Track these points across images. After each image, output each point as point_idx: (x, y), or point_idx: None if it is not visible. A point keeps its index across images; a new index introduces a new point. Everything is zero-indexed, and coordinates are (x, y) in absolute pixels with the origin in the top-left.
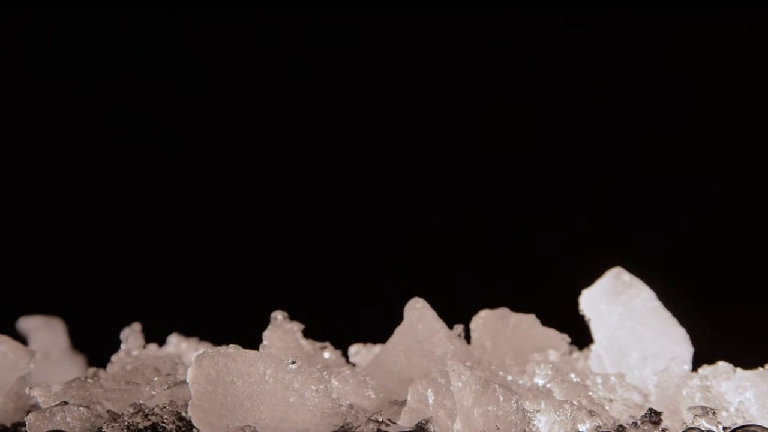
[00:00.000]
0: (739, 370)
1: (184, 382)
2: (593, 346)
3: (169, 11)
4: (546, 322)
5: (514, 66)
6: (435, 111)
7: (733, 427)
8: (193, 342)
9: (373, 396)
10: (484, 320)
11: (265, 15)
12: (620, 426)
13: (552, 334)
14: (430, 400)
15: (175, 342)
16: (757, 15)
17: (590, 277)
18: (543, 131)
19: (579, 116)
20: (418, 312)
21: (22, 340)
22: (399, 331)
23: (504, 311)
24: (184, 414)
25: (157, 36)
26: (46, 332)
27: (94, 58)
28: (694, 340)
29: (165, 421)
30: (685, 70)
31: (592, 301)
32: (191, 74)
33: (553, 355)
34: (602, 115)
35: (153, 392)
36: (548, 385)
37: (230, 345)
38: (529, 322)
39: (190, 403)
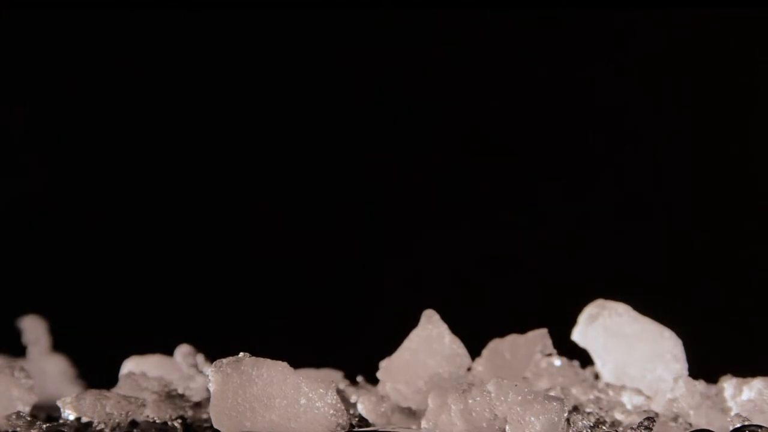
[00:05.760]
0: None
1: (182, 393)
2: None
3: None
4: (556, 330)
5: (517, 70)
6: (443, 114)
7: (734, 426)
8: (197, 354)
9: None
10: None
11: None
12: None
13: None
14: (451, 408)
15: (184, 352)
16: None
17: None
18: (549, 135)
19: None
20: (429, 319)
21: (17, 337)
22: (411, 335)
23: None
24: (188, 421)
25: (153, 35)
26: (29, 331)
27: (94, 56)
28: (697, 342)
29: (169, 427)
30: (681, 71)
31: (580, 335)
32: (189, 74)
33: (557, 361)
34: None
35: (160, 401)
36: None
37: (242, 353)
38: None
39: (210, 404)
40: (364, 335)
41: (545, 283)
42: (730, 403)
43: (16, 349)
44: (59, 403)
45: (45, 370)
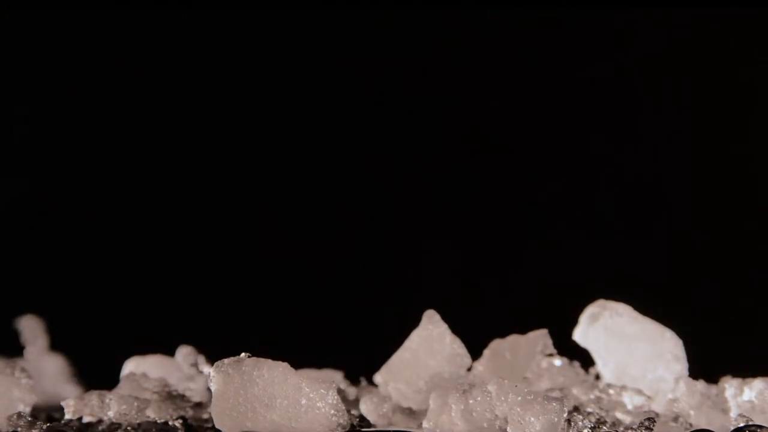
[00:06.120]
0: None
1: (182, 394)
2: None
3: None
4: (556, 330)
5: (517, 70)
6: (443, 114)
7: (735, 426)
8: (198, 355)
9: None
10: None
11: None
12: None
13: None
14: (452, 408)
15: (185, 353)
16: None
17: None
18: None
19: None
20: (430, 319)
21: (15, 337)
22: (412, 335)
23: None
24: (189, 421)
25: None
26: (26, 331)
27: (95, 56)
28: (698, 342)
29: (170, 427)
30: (681, 71)
31: (581, 335)
32: (189, 74)
33: (558, 361)
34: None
35: (161, 401)
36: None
37: (243, 353)
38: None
39: (211, 404)
40: (365, 335)
41: (545, 283)
42: (731, 404)
43: (13, 349)
44: (63, 404)
45: (43, 370)
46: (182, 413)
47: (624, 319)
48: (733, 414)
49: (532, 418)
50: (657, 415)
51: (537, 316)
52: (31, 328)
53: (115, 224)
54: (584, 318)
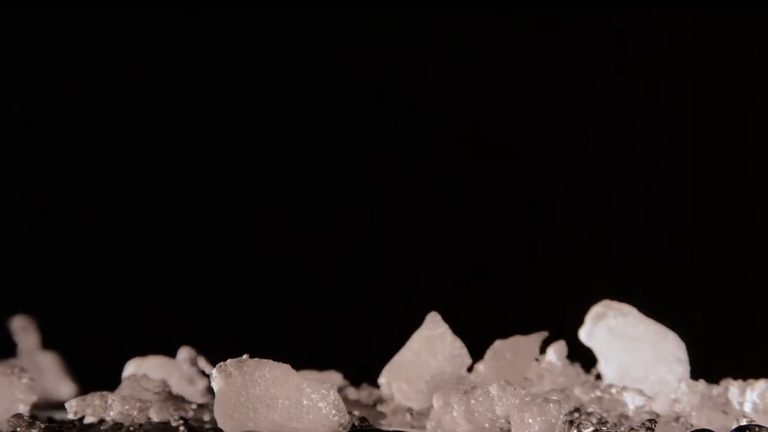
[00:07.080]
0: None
1: (184, 395)
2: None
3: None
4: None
5: (517, 70)
6: (443, 114)
7: (735, 426)
8: (199, 356)
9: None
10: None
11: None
12: None
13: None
14: (454, 408)
15: (186, 354)
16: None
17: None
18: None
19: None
20: (433, 322)
21: (8, 337)
22: (414, 336)
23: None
24: (191, 421)
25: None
26: (19, 330)
27: (95, 56)
28: (699, 343)
29: (171, 427)
30: (681, 71)
31: (586, 334)
32: (189, 74)
33: (559, 361)
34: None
35: (162, 402)
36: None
37: (245, 354)
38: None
39: (212, 404)
40: (366, 336)
41: (545, 283)
42: (733, 405)
43: (9, 349)
44: (66, 405)
45: (37, 368)
46: (183, 414)
47: (628, 320)
48: (734, 414)
49: (530, 420)
50: (658, 415)
51: (537, 317)
52: (22, 327)
53: (115, 225)
54: (590, 317)
